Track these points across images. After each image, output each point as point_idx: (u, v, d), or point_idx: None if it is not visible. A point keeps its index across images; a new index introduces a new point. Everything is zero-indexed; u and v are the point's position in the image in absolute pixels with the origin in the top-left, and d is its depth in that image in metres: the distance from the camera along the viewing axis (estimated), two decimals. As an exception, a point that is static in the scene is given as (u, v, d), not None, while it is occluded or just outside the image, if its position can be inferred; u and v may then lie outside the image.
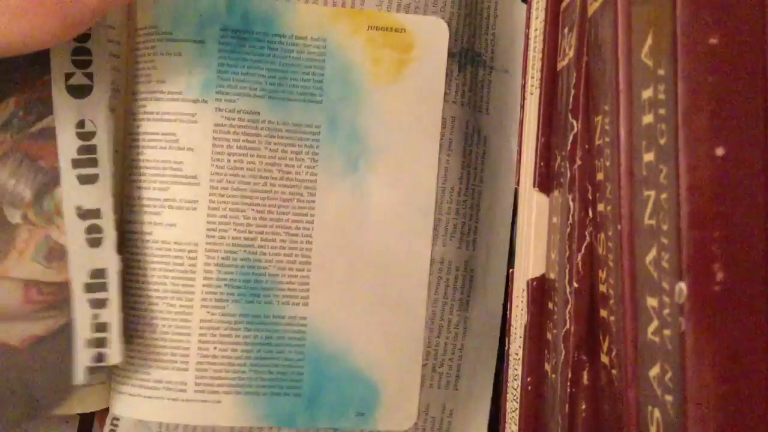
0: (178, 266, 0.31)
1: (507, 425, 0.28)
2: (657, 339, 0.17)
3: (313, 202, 0.32)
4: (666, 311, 0.16)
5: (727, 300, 0.15)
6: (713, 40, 0.15)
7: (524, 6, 0.33)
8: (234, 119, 0.31)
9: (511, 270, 0.30)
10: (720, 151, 0.15)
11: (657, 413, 0.17)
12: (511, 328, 0.29)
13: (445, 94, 0.32)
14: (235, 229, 0.31)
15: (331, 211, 0.32)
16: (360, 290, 0.32)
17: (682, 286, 0.15)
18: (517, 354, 0.28)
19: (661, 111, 0.17)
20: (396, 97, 0.32)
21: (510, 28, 0.34)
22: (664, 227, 0.16)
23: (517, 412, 0.27)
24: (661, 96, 0.17)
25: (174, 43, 0.31)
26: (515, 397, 0.27)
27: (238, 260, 0.31)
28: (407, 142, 0.32)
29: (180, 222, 0.31)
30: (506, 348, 0.30)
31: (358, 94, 0.32)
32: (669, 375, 0.16)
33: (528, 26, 0.31)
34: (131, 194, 0.31)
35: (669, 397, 0.16)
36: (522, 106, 0.31)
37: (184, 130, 0.31)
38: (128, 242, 0.31)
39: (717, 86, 0.15)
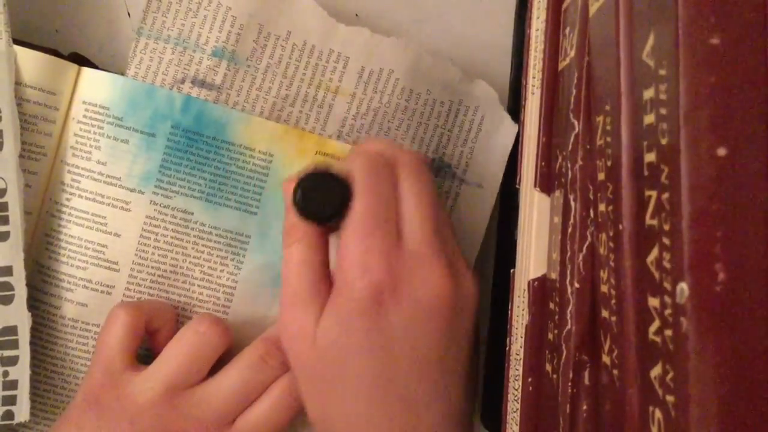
0: (82, 346, 0.31)
1: (508, 425, 0.28)
2: (658, 339, 0.17)
3: (229, 307, 0.32)
4: (667, 311, 0.16)
5: (729, 300, 0.15)
6: (715, 40, 0.15)
7: (515, 126, 0.33)
8: (167, 215, 0.31)
9: (512, 270, 0.30)
10: (722, 151, 0.15)
11: (658, 413, 0.17)
12: (512, 328, 0.29)
13: None
14: None
15: (243, 320, 0.32)
16: None
17: (684, 286, 0.15)
18: (518, 354, 0.28)
19: (663, 111, 0.17)
20: None
21: (493, 144, 0.33)
22: (666, 227, 0.16)
23: (518, 412, 0.27)
24: (663, 96, 0.17)
25: (124, 130, 0.31)
26: (516, 398, 0.27)
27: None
28: (332, 268, 0.32)
29: (92, 304, 0.31)
30: (507, 348, 0.30)
31: None
32: (670, 375, 0.16)
33: (529, 26, 0.31)
34: (44, 263, 0.31)
35: (670, 398, 0.16)
36: (523, 106, 0.31)
37: (115, 216, 0.31)
38: (30, 308, 0.30)
39: (718, 86, 0.15)
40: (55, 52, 0.32)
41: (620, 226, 0.19)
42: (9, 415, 0.30)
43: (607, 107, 0.21)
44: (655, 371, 0.17)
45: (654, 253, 0.17)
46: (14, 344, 0.29)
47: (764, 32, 0.15)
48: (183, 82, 0.31)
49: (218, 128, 0.31)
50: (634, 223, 0.18)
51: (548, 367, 0.25)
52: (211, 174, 0.31)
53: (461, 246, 0.29)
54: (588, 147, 0.23)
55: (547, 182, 0.27)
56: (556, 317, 0.24)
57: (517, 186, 0.31)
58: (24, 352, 0.30)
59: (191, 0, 0.31)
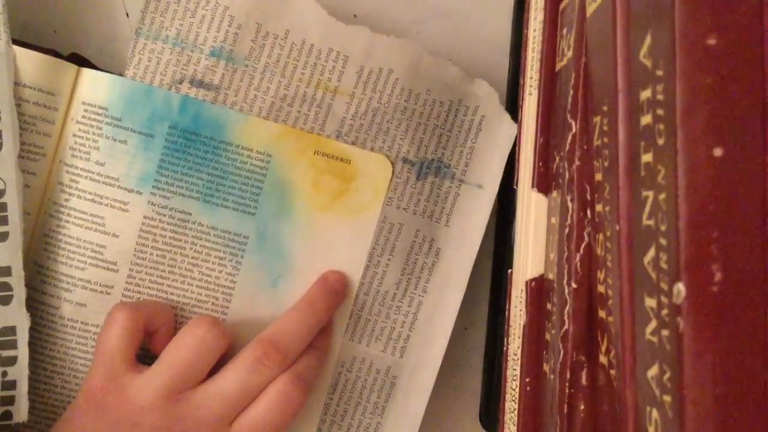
0: (81, 346, 0.31)
1: (506, 425, 0.28)
2: (655, 339, 0.17)
3: (227, 308, 0.32)
4: (664, 311, 0.16)
5: (726, 300, 0.15)
6: (711, 41, 0.15)
7: (514, 126, 0.33)
8: (165, 215, 0.31)
9: (509, 271, 0.30)
10: (718, 152, 0.15)
11: (655, 413, 0.17)
12: (510, 328, 0.29)
13: (393, 199, 0.32)
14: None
15: (242, 320, 0.32)
16: None
17: (681, 286, 0.15)
18: (515, 354, 0.28)
19: (660, 111, 0.17)
20: (328, 223, 0.32)
21: (493, 144, 0.33)
22: (663, 228, 0.16)
23: (516, 412, 0.27)
24: (660, 96, 0.17)
25: (122, 131, 0.31)
26: (514, 398, 0.27)
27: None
28: (330, 268, 0.32)
29: (91, 304, 0.31)
30: (505, 348, 0.30)
31: (291, 213, 0.32)
32: (667, 375, 0.16)
33: (527, 27, 0.31)
34: (43, 264, 0.31)
35: (667, 398, 0.16)
36: (521, 107, 0.31)
37: (113, 216, 0.31)
38: (29, 308, 0.30)
39: (715, 87, 0.15)
40: (54, 53, 0.32)
41: (617, 227, 0.19)
42: (7, 415, 0.30)
43: (604, 107, 0.21)
44: (652, 371, 0.17)
45: (651, 253, 0.17)
46: (13, 344, 0.29)
47: (761, 32, 0.16)
48: (181, 82, 0.31)
49: (216, 128, 0.31)
50: (631, 224, 0.18)
51: (546, 368, 0.25)
52: (209, 174, 0.31)
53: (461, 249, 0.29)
54: (585, 147, 0.23)
55: (544, 183, 0.27)
56: (554, 317, 0.24)
57: (515, 187, 0.31)
58: (23, 352, 0.30)
59: (189, 0, 0.31)
